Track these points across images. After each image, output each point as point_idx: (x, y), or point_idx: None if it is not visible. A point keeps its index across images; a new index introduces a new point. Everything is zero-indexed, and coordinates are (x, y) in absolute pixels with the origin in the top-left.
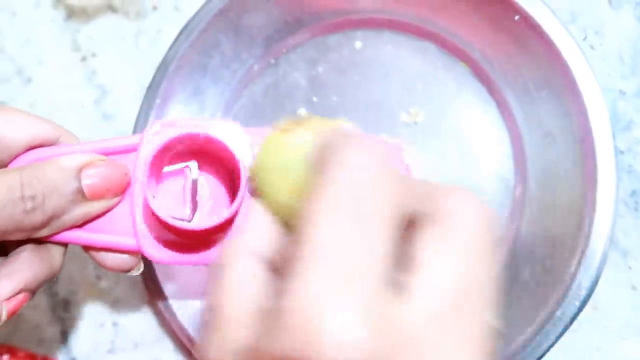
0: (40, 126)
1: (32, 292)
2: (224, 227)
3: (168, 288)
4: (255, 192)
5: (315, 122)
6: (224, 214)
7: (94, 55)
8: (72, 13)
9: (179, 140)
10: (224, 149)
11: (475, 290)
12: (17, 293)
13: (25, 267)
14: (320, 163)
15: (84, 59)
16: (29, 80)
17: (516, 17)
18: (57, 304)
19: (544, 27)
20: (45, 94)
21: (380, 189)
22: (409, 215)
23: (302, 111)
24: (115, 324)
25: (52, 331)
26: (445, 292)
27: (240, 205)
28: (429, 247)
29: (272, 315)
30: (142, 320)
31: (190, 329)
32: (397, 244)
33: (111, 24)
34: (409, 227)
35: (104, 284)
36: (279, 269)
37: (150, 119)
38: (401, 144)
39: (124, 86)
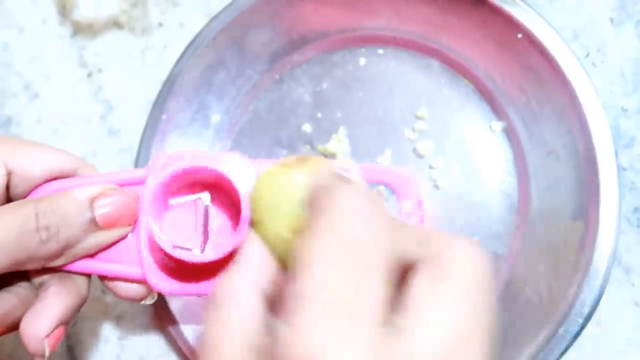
0: (58, 158)
1: (67, 323)
2: (229, 258)
3: (173, 303)
4: (252, 223)
5: (318, 161)
6: (228, 247)
7: (100, 71)
8: (79, 29)
9: (185, 173)
10: (228, 182)
11: (469, 338)
12: (55, 328)
13: (58, 302)
14: (313, 204)
15: (90, 74)
16: (36, 95)
17: (519, 35)
18: None
19: (546, 45)
20: (52, 110)
21: (373, 232)
22: (405, 259)
23: (307, 127)
24: (120, 339)
25: (58, 345)
26: (439, 336)
27: (242, 238)
28: (425, 291)
29: (269, 352)
30: (148, 335)
31: (195, 344)
32: (392, 286)
33: (117, 40)
34: (407, 270)
35: (109, 298)
36: (274, 302)
37: (157, 134)
38: (415, 177)
39: (129, 102)
